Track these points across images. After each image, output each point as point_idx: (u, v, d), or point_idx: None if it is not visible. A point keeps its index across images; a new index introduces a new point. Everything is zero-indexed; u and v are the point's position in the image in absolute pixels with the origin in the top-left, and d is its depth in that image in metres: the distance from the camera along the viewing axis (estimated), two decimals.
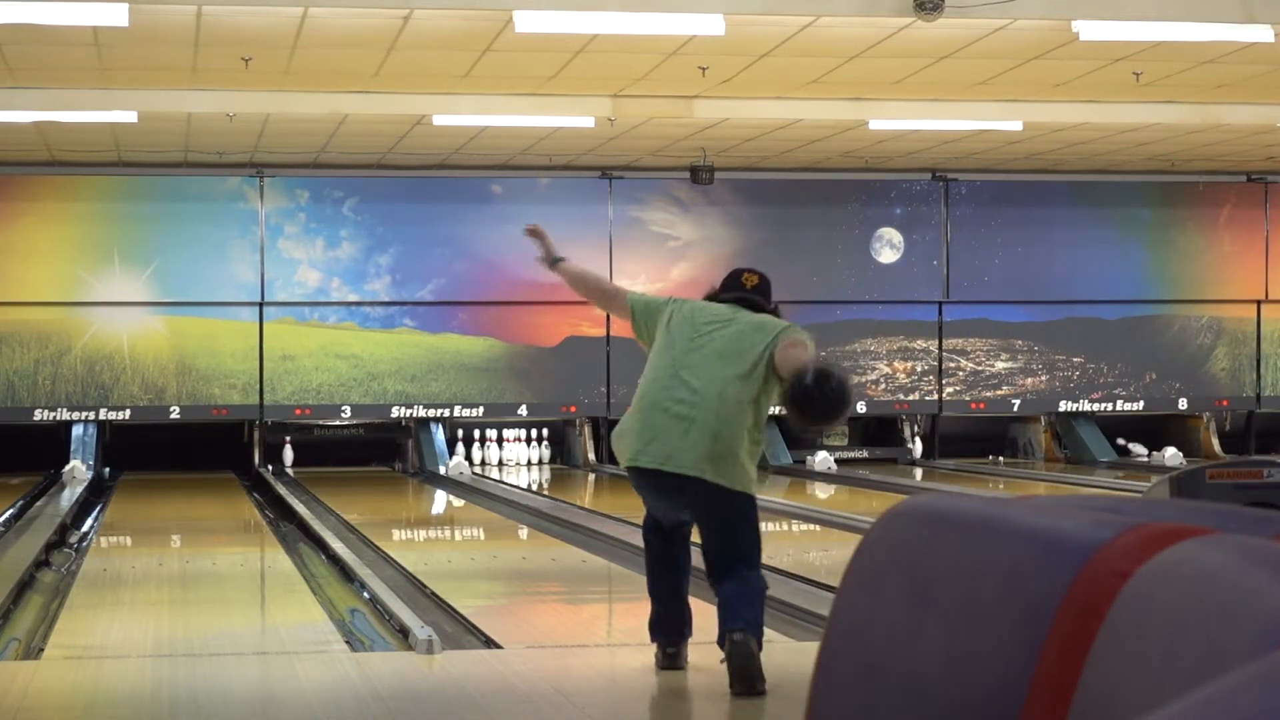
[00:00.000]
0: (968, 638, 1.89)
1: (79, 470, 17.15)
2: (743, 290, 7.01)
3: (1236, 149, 17.54)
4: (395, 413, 18.34)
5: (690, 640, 6.94)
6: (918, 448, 19.42)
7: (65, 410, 17.69)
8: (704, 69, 12.91)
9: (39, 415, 17.66)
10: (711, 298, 6.91)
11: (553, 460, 19.04)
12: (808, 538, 12.37)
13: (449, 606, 8.50)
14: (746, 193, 18.79)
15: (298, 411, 18.10)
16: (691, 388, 6.44)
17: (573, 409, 18.63)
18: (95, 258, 17.69)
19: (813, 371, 6.21)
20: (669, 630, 6.78)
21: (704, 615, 8.33)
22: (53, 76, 13.13)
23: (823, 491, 16.30)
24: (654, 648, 6.92)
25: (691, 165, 18.08)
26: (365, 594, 8.93)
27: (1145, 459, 18.89)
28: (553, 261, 7.31)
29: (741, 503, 6.63)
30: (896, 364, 19.22)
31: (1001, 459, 19.76)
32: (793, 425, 6.93)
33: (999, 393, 19.36)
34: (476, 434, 18.89)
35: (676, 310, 6.73)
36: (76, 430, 17.77)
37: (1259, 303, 19.79)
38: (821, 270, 18.94)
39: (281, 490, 15.51)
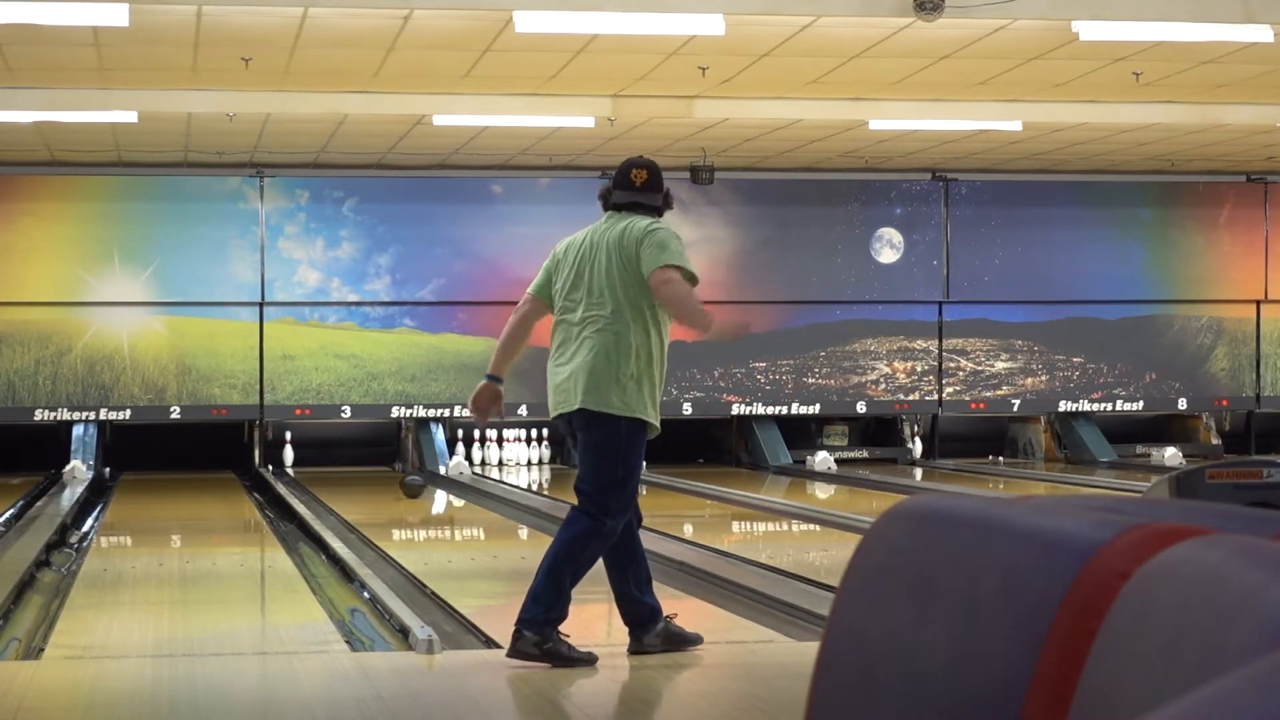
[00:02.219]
0: (968, 638, 1.89)
1: (79, 470, 17.15)
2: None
3: (1236, 149, 17.54)
4: (395, 413, 18.34)
5: (697, 645, 6.95)
6: (918, 448, 19.41)
7: (65, 410, 17.69)
8: (704, 69, 12.91)
9: (39, 415, 17.66)
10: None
11: (553, 460, 19.04)
12: (808, 538, 12.37)
13: (449, 606, 8.50)
14: (746, 193, 18.79)
15: (298, 411, 18.10)
16: None
17: None
18: (95, 258, 17.69)
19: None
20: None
21: (704, 616, 8.33)
22: (53, 76, 13.13)
23: (823, 491, 16.30)
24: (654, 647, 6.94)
25: (691, 165, 18.08)
26: (365, 594, 8.93)
27: (1148, 457, 18.90)
28: (493, 379, 7.25)
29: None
30: (896, 364, 19.22)
31: (1001, 459, 19.76)
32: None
33: (999, 393, 19.37)
34: (476, 434, 18.90)
35: None
36: (77, 430, 17.77)
37: (1259, 303, 19.79)
38: (821, 270, 18.94)
39: (281, 490, 15.51)
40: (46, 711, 6.08)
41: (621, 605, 6.86)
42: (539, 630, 6.56)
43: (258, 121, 15.10)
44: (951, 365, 19.30)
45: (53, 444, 17.85)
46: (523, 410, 18.57)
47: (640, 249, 6.71)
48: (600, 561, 6.81)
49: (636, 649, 6.81)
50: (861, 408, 19.18)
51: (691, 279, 6.76)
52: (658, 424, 6.73)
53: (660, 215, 6.97)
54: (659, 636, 6.81)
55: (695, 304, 6.74)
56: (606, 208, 6.99)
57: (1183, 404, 19.67)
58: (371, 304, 18.33)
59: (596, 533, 6.67)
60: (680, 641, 6.86)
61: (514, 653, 6.60)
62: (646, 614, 6.82)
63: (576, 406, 6.73)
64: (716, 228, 18.81)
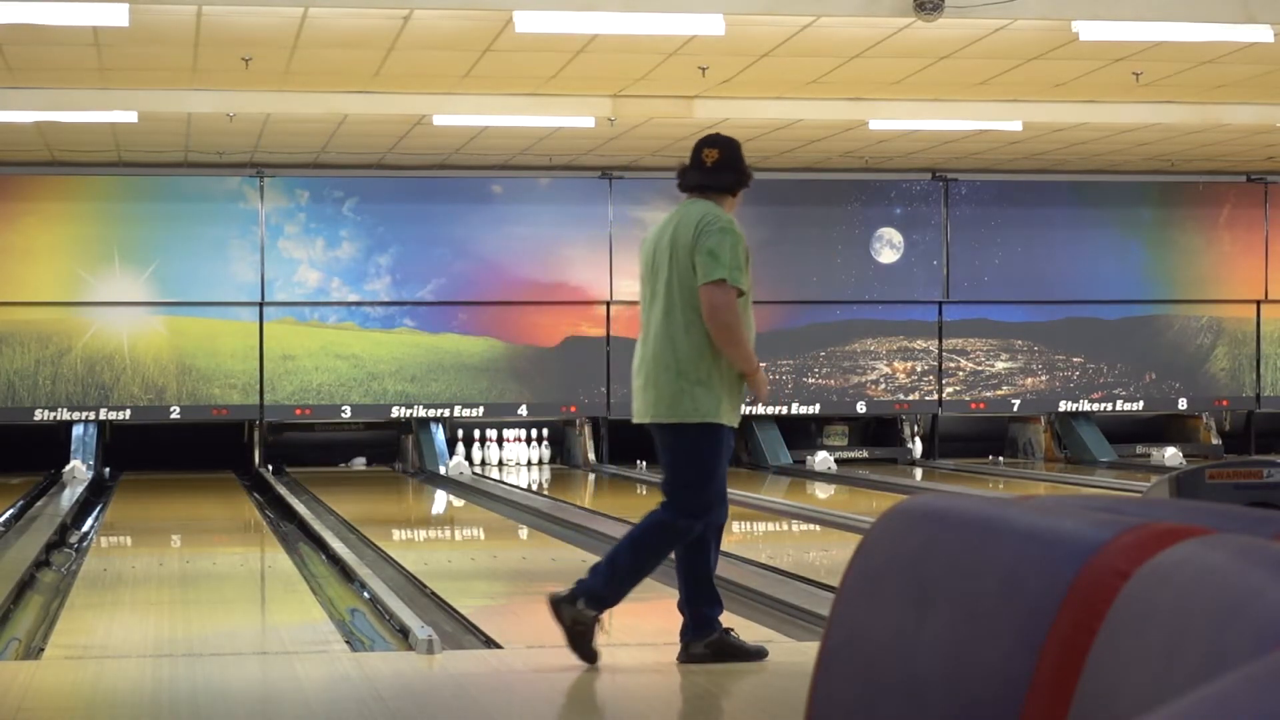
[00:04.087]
0: (968, 638, 1.89)
1: (79, 470, 17.15)
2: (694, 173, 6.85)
3: (1236, 149, 17.54)
4: (395, 413, 18.34)
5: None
6: (918, 448, 19.41)
7: (65, 410, 17.69)
8: (704, 69, 12.91)
9: (39, 415, 17.66)
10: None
11: (553, 460, 19.04)
12: (808, 538, 12.37)
13: (449, 606, 8.50)
14: (746, 192, 18.70)
15: (298, 411, 18.10)
16: None
17: (573, 409, 18.63)
18: (95, 258, 17.69)
19: None
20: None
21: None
22: (53, 76, 13.13)
23: (823, 491, 16.30)
24: (653, 647, 6.93)
25: None
26: (365, 594, 8.93)
27: (1148, 457, 18.90)
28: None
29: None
30: (896, 364, 19.22)
31: (1001, 459, 19.76)
32: None
33: (999, 393, 19.37)
34: (476, 434, 18.89)
35: None
36: (77, 430, 17.77)
37: (1259, 303, 19.79)
38: (821, 270, 18.94)
39: (281, 490, 15.52)
40: (46, 711, 6.08)
41: (683, 608, 6.82)
42: (594, 603, 6.55)
43: (258, 121, 15.10)
44: (951, 365, 19.30)
45: (53, 444, 17.85)
46: (523, 410, 18.57)
47: (695, 253, 6.58)
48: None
49: (684, 657, 6.73)
50: (861, 408, 19.18)
51: (738, 288, 6.54)
52: (733, 421, 6.61)
53: (734, 194, 6.80)
54: (708, 648, 6.72)
55: (739, 342, 6.51)
56: (681, 189, 6.80)
57: (1183, 404, 19.67)
58: (371, 304, 18.33)
59: (669, 529, 6.64)
60: (739, 653, 6.69)
61: (556, 610, 6.61)
62: (699, 621, 6.74)
63: (649, 420, 6.64)
64: None
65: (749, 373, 6.51)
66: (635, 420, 6.81)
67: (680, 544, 6.66)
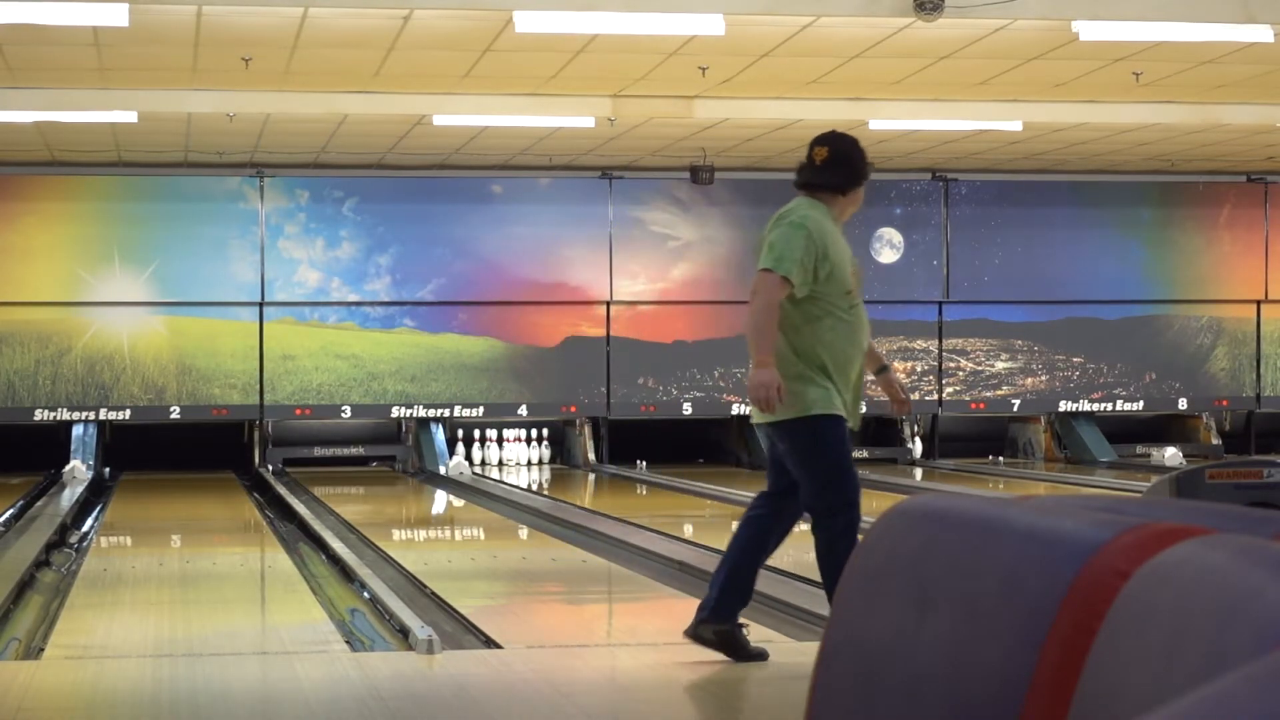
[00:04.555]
0: (968, 638, 1.89)
1: (79, 470, 17.15)
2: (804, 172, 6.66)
3: (1236, 149, 17.54)
4: (395, 413, 18.34)
5: (691, 642, 6.93)
6: (918, 448, 19.41)
7: (65, 410, 17.69)
8: (704, 69, 12.91)
9: (39, 415, 17.67)
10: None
11: (553, 460, 19.04)
12: (808, 538, 12.34)
13: (449, 606, 8.50)
14: (746, 193, 18.79)
15: (298, 411, 18.10)
16: None
17: (573, 409, 18.63)
18: (95, 258, 17.69)
19: None
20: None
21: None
22: (53, 76, 13.13)
23: None
24: (653, 647, 6.92)
25: (691, 165, 18.08)
26: (365, 594, 8.93)
27: (1148, 457, 18.90)
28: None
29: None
30: (896, 364, 19.22)
31: (1001, 459, 19.76)
32: None
33: (999, 393, 19.37)
34: (476, 434, 18.90)
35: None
36: (76, 430, 17.77)
37: (1259, 303, 19.79)
38: None
39: (281, 490, 15.51)
40: (46, 711, 6.08)
41: (713, 585, 6.73)
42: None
43: (258, 121, 15.10)
44: (951, 365, 19.30)
45: (53, 444, 17.85)
46: (523, 410, 18.57)
47: (763, 241, 6.48)
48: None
49: (693, 632, 6.69)
50: (861, 407, 19.14)
51: (786, 280, 6.35)
52: (843, 412, 6.51)
53: (843, 193, 6.58)
54: (716, 635, 6.67)
55: (759, 331, 6.36)
56: (795, 187, 6.70)
57: (1183, 404, 19.67)
58: (371, 304, 18.33)
59: (836, 533, 6.59)
60: (740, 651, 6.64)
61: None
62: (721, 607, 6.68)
63: (760, 423, 6.54)
64: (716, 228, 18.81)
65: (756, 364, 6.37)
66: (753, 422, 6.74)
67: (850, 538, 6.62)
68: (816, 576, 9.21)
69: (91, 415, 17.76)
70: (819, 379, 6.45)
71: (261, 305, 18.05)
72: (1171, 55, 12.58)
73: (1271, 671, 1.20)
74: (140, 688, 6.45)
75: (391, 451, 18.72)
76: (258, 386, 18.00)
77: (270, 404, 18.01)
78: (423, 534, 13.86)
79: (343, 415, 18.23)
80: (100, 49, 11.99)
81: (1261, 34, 11.62)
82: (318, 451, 18.52)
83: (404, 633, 7.46)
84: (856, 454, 19.35)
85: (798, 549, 12.02)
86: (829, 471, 6.48)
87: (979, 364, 19.35)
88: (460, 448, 18.67)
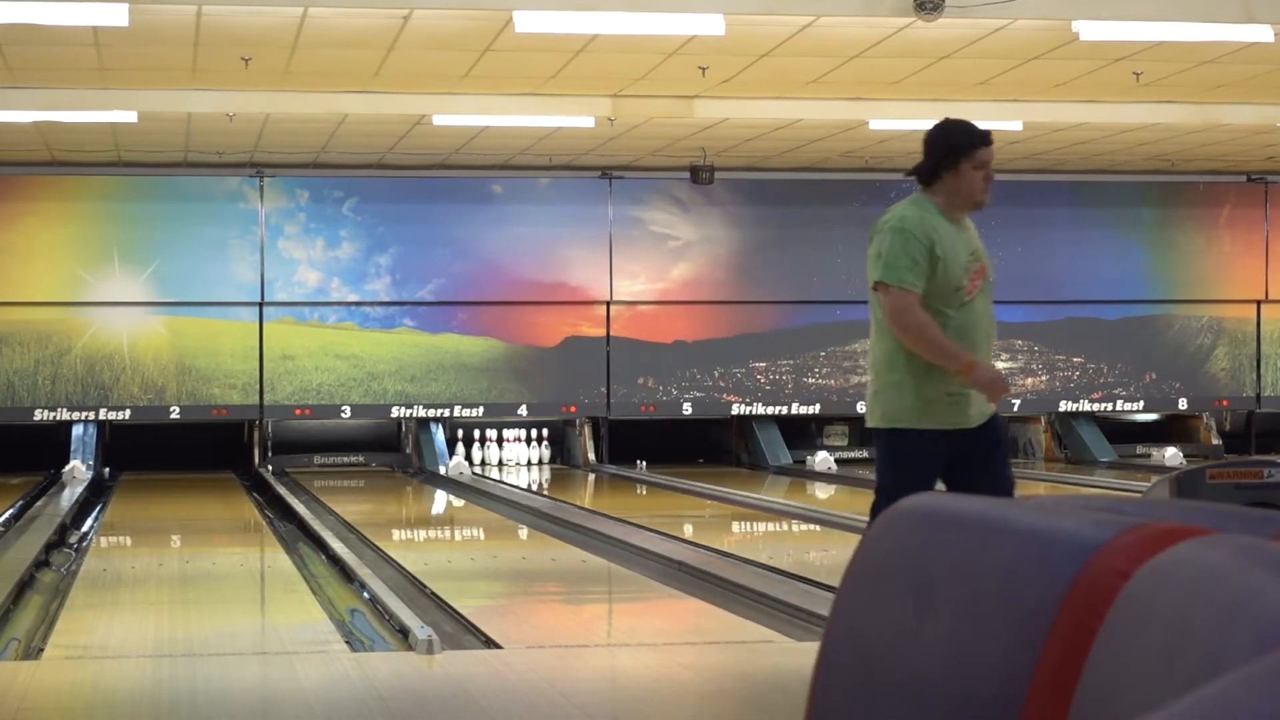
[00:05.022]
0: (968, 638, 1.89)
1: (79, 470, 17.15)
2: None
3: (1236, 149, 17.54)
4: (395, 413, 18.34)
5: (691, 642, 6.94)
6: None
7: (65, 410, 17.69)
8: (704, 69, 12.91)
9: (39, 415, 17.67)
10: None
11: (553, 460, 19.04)
12: (808, 538, 12.37)
13: (449, 606, 8.50)
14: (746, 193, 18.79)
15: (298, 411, 18.11)
16: None
17: (573, 409, 18.63)
18: (95, 258, 17.69)
19: None
20: None
21: (704, 616, 8.33)
22: (53, 76, 13.13)
23: (823, 491, 16.30)
24: (653, 647, 6.92)
25: (691, 165, 18.08)
26: (365, 594, 8.93)
27: (1148, 457, 18.90)
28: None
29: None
30: None
31: None
32: None
33: None
34: (476, 434, 18.90)
35: None
36: (76, 430, 17.77)
37: (1259, 303, 19.79)
38: (821, 270, 18.94)
39: (281, 490, 15.51)
40: (46, 711, 6.08)
41: None
42: None
43: (258, 121, 15.10)
44: None
45: (52, 444, 17.85)
46: (523, 410, 18.58)
47: (869, 254, 6.33)
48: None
49: None
50: (861, 408, 19.15)
51: (905, 287, 6.16)
52: (926, 425, 6.10)
53: (928, 184, 6.25)
54: None
55: (928, 343, 6.08)
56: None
57: (1183, 404, 19.66)
58: (371, 304, 18.33)
59: None
60: None
61: None
62: None
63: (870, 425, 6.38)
64: (716, 228, 18.81)
65: (960, 371, 6.01)
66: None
67: None
68: (817, 577, 9.23)
69: (91, 415, 17.76)
70: (916, 387, 6.13)
71: (261, 305, 18.05)
72: (1171, 55, 12.58)
73: (1271, 671, 1.20)
74: (140, 688, 6.45)
75: (391, 460, 18.72)
76: (258, 386, 18.00)
77: (270, 404, 18.01)
78: (423, 534, 13.86)
79: (342, 415, 18.23)
80: (100, 49, 11.99)
81: (1261, 34, 11.62)
82: (317, 460, 18.53)
83: (404, 633, 7.46)
84: (856, 454, 19.54)
85: (797, 549, 12.02)
86: (893, 487, 6.06)
87: None
88: (460, 448, 18.67)
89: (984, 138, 6.15)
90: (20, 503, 14.35)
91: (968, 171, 6.13)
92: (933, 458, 6.14)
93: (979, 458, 6.16)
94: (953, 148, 6.14)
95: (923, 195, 6.26)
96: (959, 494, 2.33)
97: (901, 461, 6.17)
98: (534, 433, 19.02)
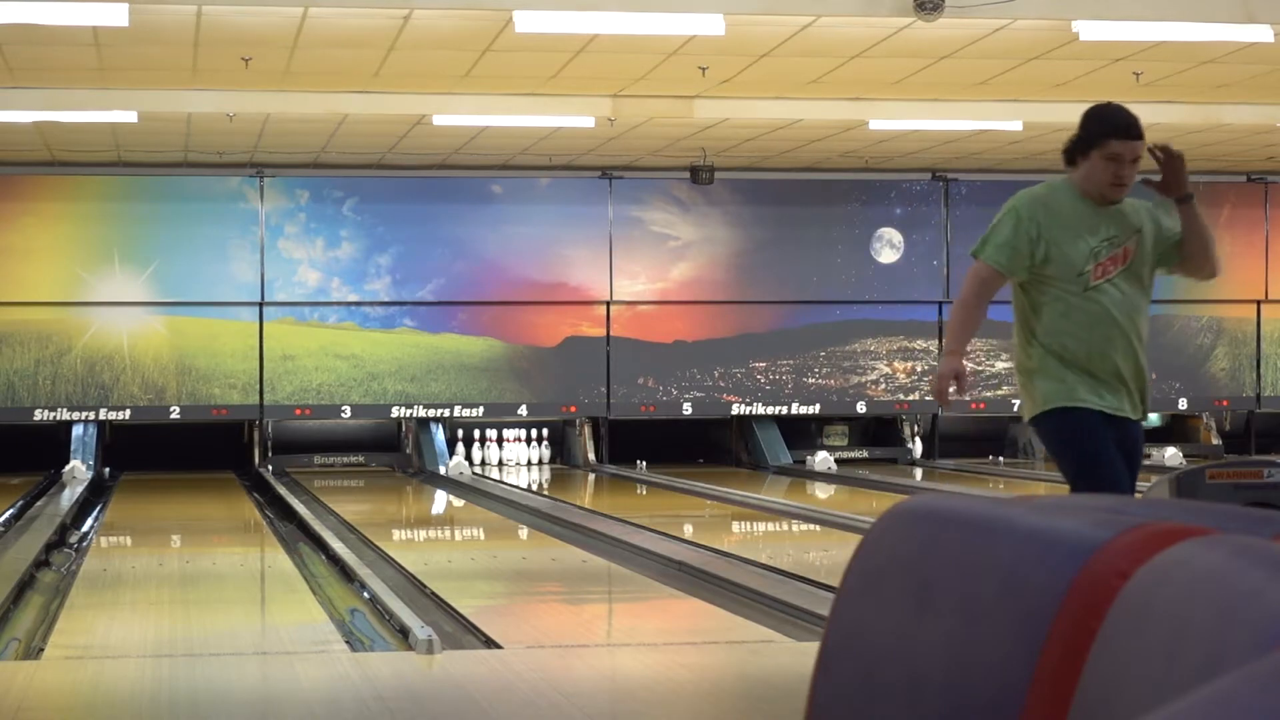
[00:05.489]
0: (968, 638, 1.89)
1: (79, 470, 17.15)
2: None
3: (1236, 149, 17.54)
4: (395, 413, 18.34)
5: (691, 642, 6.93)
6: (918, 448, 19.42)
7: (65, 410, 17.69)
8: (704, 69, 12.91)
9: (39, 415, 17.67)
10: None
11: (553, 460, 19.04)
12: (808, 538, 12.37)
13: (449, 606, 8.50)
14: (746, 193, 18.79)
15: (297, 411, 18.11)
16: None
17: (573, 409, 18.63)
18: (95, 258, 17.69)
19: None
20: None
21: (704, 616, 8.33)
22: (53, 76, 13.13)
23: (823, 491, 16.30)
24: (653, 647, 6.92)
25: (691, 165, 18.08)
26: (365, 594, 8.93)
27: (1148, 457, 18.89)
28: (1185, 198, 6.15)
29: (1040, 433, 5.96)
30: (896, 364, 19.22)
31: (1001, 459, 19.76)
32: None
33: (999, 393, 19.37)
34: (476, 434, 18.90)
35: None
36: (76, 430, 17.77)
37: (1259, 303, 19.79)
38: (821, 270, 18.94)
39: (281, 490, 15.52)
40: (46, 711, 6.08)
41: None
42: None
43: (258, 121, 15.10)
44: None
45: (53, 444, 17.85)
46: (523, 410, 18.58)
47: None
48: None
49: None
50: (861, 408, 19.18)
51: (988, 264, 5.99)
52: (1090, 403, 5.77)
53: (1074, 164, 6.10)
54: None
55: (952, 315, 6.06)
56: None
57: (1183, 404, 19.66)
58: (371, 304, 18.33)
59: None
60: None
61: None
62: None
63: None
64: (716, 228, 18.81)
65: (946, 353, 5.95)
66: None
67: None
68: (816, 577, 9.23)
69: (91, 415, 17.76)
70: (1053, 370, 5.83)
71: (261, 305, 18.05)
72: (1171, 55, 12.59)
73: (1271, 671, 1.20)
74: (140, 688, 6.45)
75: (391, 460, 18.73)
76: (258, 386, 18.00)
77: (270, 404, 18.01)
78: (423, 534, 13.86)
79: (343, 415, 18.23)
80: (100, 49, 11.99)
81: (1261, 34, 11.62)
82: (318, 460, 18.53)
83: (404, 633, 7.46)
84: (856, 454, 19.56)
85: (797, 549, 12.02)
86: (1078, 466, 5.75)
87: (979, 364, 19.35)
88: (460, 448, 18.67)
89: (1120, 130, 5.94)
90: (20, 503, 14.35)
91: (1097, 161, 5.98)
92: (1102, 433, 5.78)
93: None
94: (1087, 135, 6.02)
95: (1068, 180, 6.12)
96: (959, 494, 2.33)
97: (1078, 441, 5.80)
98: (534, 433, 19.03)
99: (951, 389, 5.85)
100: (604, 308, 18.62)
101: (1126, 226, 5.97)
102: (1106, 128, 5.95)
